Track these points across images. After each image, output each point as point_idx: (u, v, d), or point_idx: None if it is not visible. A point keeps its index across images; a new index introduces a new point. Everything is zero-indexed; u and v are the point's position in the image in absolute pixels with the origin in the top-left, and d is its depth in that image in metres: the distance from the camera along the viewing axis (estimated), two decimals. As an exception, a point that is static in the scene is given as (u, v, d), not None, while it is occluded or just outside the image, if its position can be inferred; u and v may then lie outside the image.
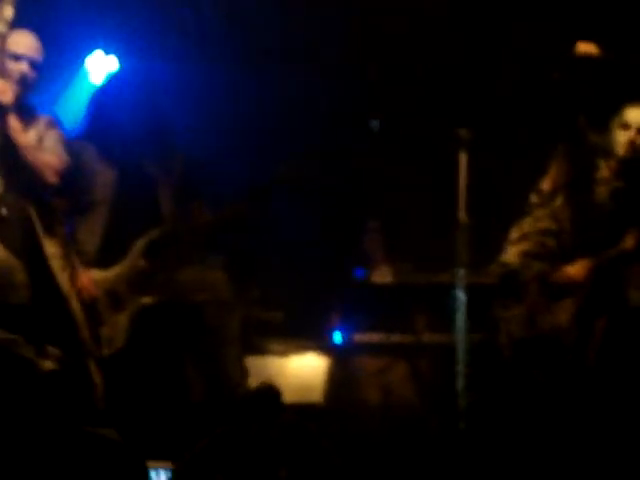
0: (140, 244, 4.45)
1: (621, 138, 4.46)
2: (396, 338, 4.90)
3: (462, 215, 4.15)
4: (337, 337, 4.92)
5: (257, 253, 5.51)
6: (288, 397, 4.67)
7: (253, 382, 4.61)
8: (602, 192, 4.51)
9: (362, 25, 5.69)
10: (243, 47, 5.54)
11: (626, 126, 4.46)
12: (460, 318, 4.09)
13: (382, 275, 5.03)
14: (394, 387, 4.93)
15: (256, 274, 5.40)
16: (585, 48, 4.46)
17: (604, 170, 4.50)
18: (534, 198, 4.55)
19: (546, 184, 4.55)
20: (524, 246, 4.46)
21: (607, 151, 4.50)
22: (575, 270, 4.42)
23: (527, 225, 4.52)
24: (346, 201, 5.67)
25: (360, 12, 5.61)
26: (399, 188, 5.66)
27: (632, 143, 4.43)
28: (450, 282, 4.20)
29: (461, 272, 4.10)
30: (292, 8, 5.52)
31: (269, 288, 5.34)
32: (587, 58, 4.46)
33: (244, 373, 4.51)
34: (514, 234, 4.54)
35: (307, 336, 5.04)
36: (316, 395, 4.75)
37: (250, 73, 5.53)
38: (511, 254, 4.48)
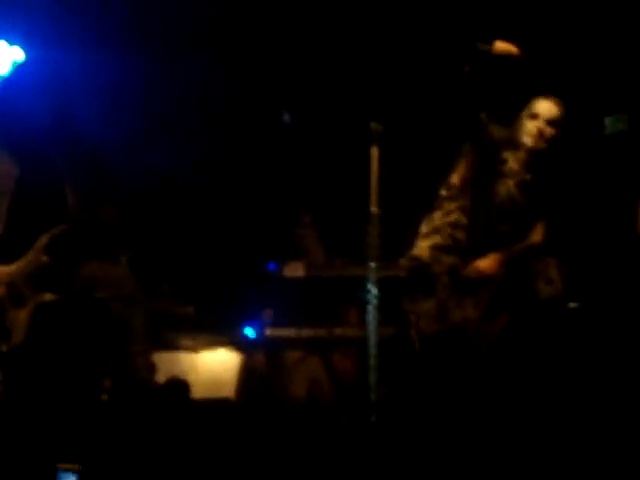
0: (43, 239, 4.35)
1: (530, 128, 4.49)
2: (308, 332, 4.88)
3: (374, 208, 4.14)
4: (249, 332, 4.88)
5: (167, 248, 5.45)
6: (199, 392, 4.63)
7: (164, 377, 4.56)
8: (510, 185, 4.54)
9: (275, 18, 5.67)
10: (150, 36, 5.46)
11: (535, 116, 4.50)
12: (372, 312, 4.07)
13: (294, 269, 5.00)
14: (306, 381, 4.91)
15: (166, 269, 5.33)
16: (503, 46, 4.48)
17: (512, 163, 4.53)
18: (444, 192, 4.56)
19: (455, 178, 4.56)
20: (434, 240, 4.46)
21: (514, 143, 4.53)
22: (485, 264, 4.44)
23: (437, 219, 4.52)
24: (258, 195, 5.64)
25: (273, 4, 5.59)
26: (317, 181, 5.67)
27: (540, 133, 4.46)
28: (362, 275, 4.19)
29: (373, 265, 4.08)
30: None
31: (180, 283, 5.29)
32: (504, 56, 4.48)
33: (151, 368, 4.45)
34: (424, 228, 4.54)
35: (218, 331, 4.99)
36: (227, 390, 4.71)
37: (159, 62, 5.45)
38: (421, 248, 4.48)
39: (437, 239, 4.44)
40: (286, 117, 5.49)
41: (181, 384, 4.39)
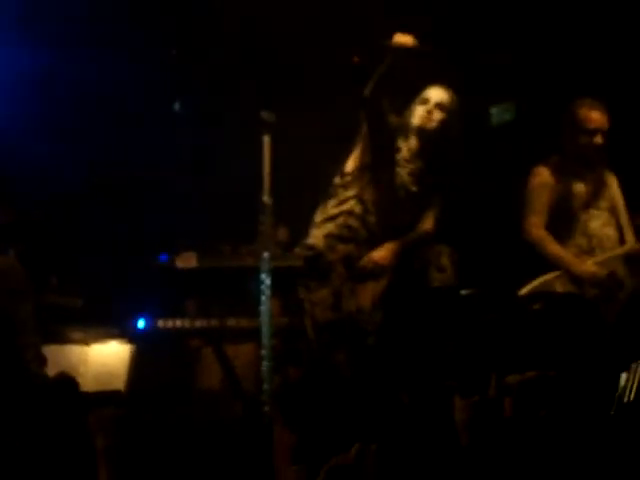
0: None
1: (419, 112, 4.55)
2: (201, 323, 4.84)
3: (266, 198, 4.13)
4: (140, 323, 4.81)
5: (56, 239, 5.35)
6: (90, 385, 4.55)
7: (53, 371, 4.46)
8: (403, 174, 4.59)
9: (168, 9, 5.62)
10: (53, 31, 5.36)
11: (425, 101, 4.56)
12: (265, 302, 4.06)
13: (186, 260, 4.95)
14: (199, 372, 4.88)
15: (55, 261, 5.23)
16: (401, 39, 4.52)
17: (404, 151, 4.57)
18: (338, 180, 4.58)
19: (349, 166, 4.59)
20: (329, 228, 4.49)
21: (405, 130, 4.58)
22: (380, 255, 4.48)
23: (331, 207, 4.54)
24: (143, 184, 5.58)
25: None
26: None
27: (429, 113, 4.53)
28: (255, 265, 4.17)
29: (266, 255, 4.07)
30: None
31: (68, 274, 5.19)
32: (402, 48, 4.52)
33: (42, 362, 4.34)
34: (319, 216, 4.56)
35: (109, 323, 4.91)
36: (118, 383, 4.64)
37: (61, 57, 5.34)
38: (316, 236, 4.50)
39: (331, 228, 4.46)
40: (177, 106, 5.44)
41: (70, 379, 4.31)
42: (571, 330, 4.08)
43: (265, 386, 4.00)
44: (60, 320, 4.87)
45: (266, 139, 4.16)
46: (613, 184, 4.90)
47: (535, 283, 4.61)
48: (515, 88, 5.76)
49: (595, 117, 4.73)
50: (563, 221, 4.80)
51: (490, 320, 4.39)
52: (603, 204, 4.86)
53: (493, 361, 4.35)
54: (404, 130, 4.59)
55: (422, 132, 4.56)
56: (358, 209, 4.53)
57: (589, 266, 4.67)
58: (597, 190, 4.87)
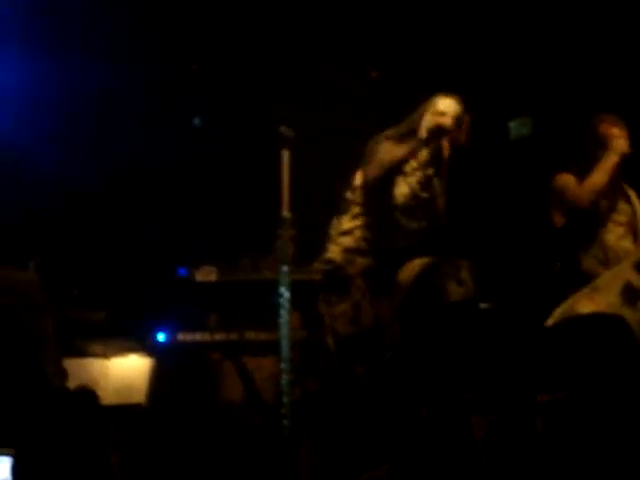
0: None
1: (431, 123, 4.55)
2: (221, 336, 4.86)
3: (285, 212, 4.15)
4: (160, 337, 4.84)
5: (77, 253, 5.38)
6: (110, 399, 4.58)
7: (74, 384, 4.49)
8: (412, 181, 4.59)
9: (186, 24, 5.66)
10: (51, 36, 5.40)
11: (437, 112, 4.56)
12: (284, 315, 4.08)
13: (206, 273, 4.97)
14: (220, 386, 4.89)
15: (76, 275, 5.26)
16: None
17: (412, 163, 4.57)
18: (349, 195, 4.59)
19: (357, 179, 4.60)
20: (346, 242, 4.50)
21: (413, 139, 4.57)
22: (405, 276, 4.48)
23: (345, 222, 4.55)
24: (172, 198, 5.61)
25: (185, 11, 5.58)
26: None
27: (439, 127, 4.53)
28: (274, 279, 4.19)
29: (285, 269, 4.09)
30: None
31: (90, 289, 5.22)
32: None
33: (63, 375, 4.37)
34: (333, 232, 4.57)
35: (130, 337, 4.94)
36: (138, 396, 4.66)
37: (58, 63, 5.38)
38: (334, 251, 4.51)
39: (349, 241, 4.47)
40: (197, 121, 5.48)
41: (89, 392, 4.33)
42: (603, 347, 4.09)
43: (284, 399, 4.01)
44: (81, 334, 4.90)
45: (285, 154, 4.18)
46: (632, 198, 4.91)
47: (558, 311, 4.60)
48: (533, 102, 5.78)
49: (616, 134, 4.75)
50: (581, 232, 4.80)
51: (512, 340, 4.41)
52: (621, 218, 4.87)
53: (512, 378, 4.37)
54: (412, 139, 4.59)
55: (434, 144, 4.56)
56: (373, 221, 4.53)
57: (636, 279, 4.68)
58: (615, 204, 4.87)
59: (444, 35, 5.70)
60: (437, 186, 4.58)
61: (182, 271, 4.92)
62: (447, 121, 4.55)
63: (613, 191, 4.85)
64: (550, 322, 4.52)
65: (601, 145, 4.77)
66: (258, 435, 4.50)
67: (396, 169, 4.51)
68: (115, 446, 4.25)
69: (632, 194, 4.90)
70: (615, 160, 4.66)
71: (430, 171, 4.60)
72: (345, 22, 5.64)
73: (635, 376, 3.91)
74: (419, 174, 4.61)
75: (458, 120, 4.62)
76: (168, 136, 5.61)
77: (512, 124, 5.87)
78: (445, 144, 4.54)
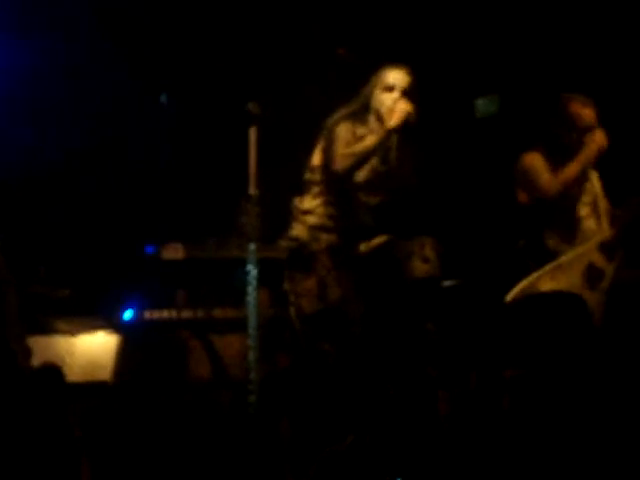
0: None
1: (387, 101, 4.52)
2: (188, 314, 4.86)
3: (252, 190, 4.14)
4: (127, 314, 4.83)
5: (43, 230, 5.36)
6: (76, 376, 4.56)
7: (39, 362, 4.47)
8: (373, 161, 4.57)
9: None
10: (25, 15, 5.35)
11: (390, 88, 4.52)
12: (252, 293, 4.08)
13: (173, 251, 4.96)
14: (188, 363, 4.89)
15: (42, 251, 5.23)
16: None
17: (369, 139, 4.53)
18: (308, 175, 4.56)
19: (315, 160, 4.58)
20: (309, 220, 4.49)
21: (365, 116, 4.53)
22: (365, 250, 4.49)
23: (307, 202, 4.53)
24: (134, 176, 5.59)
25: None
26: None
27: (395, 103, 4.49)
28: (241, 256, 4.19)
29: (252, 246, 4.09)
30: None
31: (56, 265, 5.20)
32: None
33: (27, 352, 4.35)
34: (296, 211, 4.55)
35: (96, 314, 4.92)
36: (105, 374, 4.65)
37: (28, 41, 5.34)
38: (298, 229, 4.50)
39: (312, 219, 4.46)
40: (163, 98, 5.45)
41: (55, 369, 4.31)
42: (560, 326, 4.13)
43: (252, 375, 4.02)
44: (47, 311, 4.88)
45: (252, 131, 4.17)
46: (594, 178, 4.94)
47: (519, 287, 4.63)
48: (500, 80, 5.79)
49: (587, 114, 4.78)
50: (548, 211, 4.84)
51: (474, 317, 4.44)
52: (586, 198, 4.91)
53: (475, 355, 4.40)
54: (363, 115, 4.55)
55: (398, 131, 4.54)
56: (334, 199, 4.52)
57: (600, 260, 4.72)
58: (580, 184, 4.90)
59: (413, 14, 5.69)
60: (393, 159, 4.55)
61: (149, 248, 4.91)
62: (397, 96, 4.50)
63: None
64: (509, 298, 4.56)
65: (570, 125, 4.79)
66: (226, 412, 4.52)
67: (367, 158, 4.49)
68: (81, 423, 4.25)
69: (593, 176, 4.94)
70: (593, 153, 4.69)
71: (387, 147, 4.57)
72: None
73: (589, 356, 3.97)
74: (379, 153, 4.59)
75: (410, 93, 4.57)
76: (134, 113, 5.58)
77: (479, 102, 5.88)
78: (394, 118, 4.49)
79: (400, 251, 4.51)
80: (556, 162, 4.84)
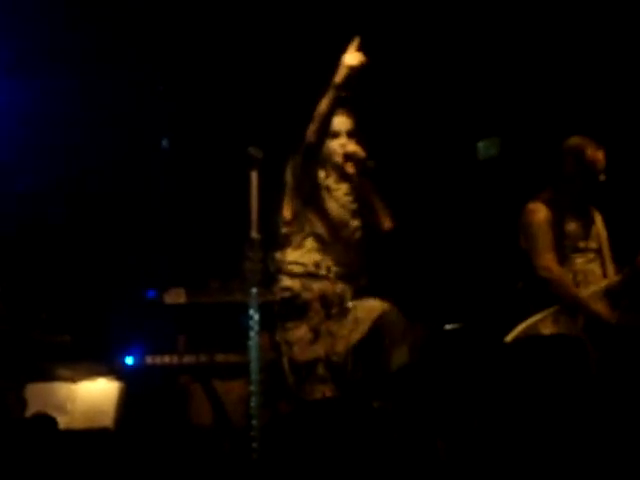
0: None
1: (335, 147, 4.51)
2: (190, 359, 4.83)
3: (254, 234, 4.12)
4: (129, 360, 4.80)
5: (43, 276, 5.34)
6: (78, 423, 4.53)
7: (40, 409, 4.44)
8: (339, 195, 4.55)
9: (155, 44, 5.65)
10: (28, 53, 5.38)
11: (335, 135, 4.52)
12: (254, 337, 4.05)
13: (175, 296, 4.95)
14: (190, 409, 4.86)
15: (42, 298, 5.22)
16: (350, 60, 4.51)
17: (330, 181, 4.52)
18: (285, 229, 4.50)
19: (287, 214, 4.52)
20: (298, 270, 4.44)
21: (324, 162, 4.53)
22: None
23: (290, 254, 4.47)
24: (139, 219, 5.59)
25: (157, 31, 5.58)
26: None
27: (343, 146, 4.49)
28: (243, 301, 4.17)
29: (254, 290, 4.06)
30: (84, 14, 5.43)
31: (57, 311, 5.18)
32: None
33: (22, 404, 4.31)
34: (281, 264, 4.48)
35: (97, 360, 4.89)
36: (107, 420, 4.62)
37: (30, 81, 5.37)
38: (288, 280, 4.44)
39: (300, 269, 4.41)
40: (165, 143, 5.46)
41: (47, 418, 4.27)
42: (562, 369, 4.10)
43: (254, 422, 3.98)
44: (48, 357, 4.85)
45: (254, 175, 4.17)
46: (599, 222, 4.93)
47: (519, 328, 4.60)
48: (501, 123, 5.81)
49: (601, 158, 4.77)
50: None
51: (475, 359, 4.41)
52: (591, 244, 4.88)
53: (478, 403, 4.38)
54: (322, 162, 4.53)
55: (345, 165, 4.52)
56: (317, 245, 4.48)
57: (602, 307, 4.69)
58: (587, 229, 4.88)
59: (415, 56, 5.72)
60: (364, 194, 4.53)
61: (150, 293, 4.90)
62: (343, 141, 4.50)
63: (585, 215, 4.87)
64: (509, 339, 4.53)
65: (585, 169, 4.77)
66: (228, 459, 4.48)
67: (327, 127, 4.42)
68: (83, 470, 4.21)
69: (598, 219, 4.92)
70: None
71: (347, 184, 4.56)
72: (317, 42, 5.64)
73: (589, 400, 3.96)
74: (342, 186, 4.56)
75: (354, 132, 4.54)
76: (136, 158, 5.59)
77: (480, 144, 5.89)
78: (348, 166, 4.48)
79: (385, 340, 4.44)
80: (562, 207, 4.82)
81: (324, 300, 4.40)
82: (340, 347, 4.32)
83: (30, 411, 4.44)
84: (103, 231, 5.58)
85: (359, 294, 4.46)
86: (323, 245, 4.43)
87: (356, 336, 4.34)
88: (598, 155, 4.77)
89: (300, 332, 4.35)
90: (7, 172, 5.32)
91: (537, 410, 4.15)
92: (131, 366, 4.77)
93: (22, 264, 5.22)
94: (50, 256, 5.49)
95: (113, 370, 4.78)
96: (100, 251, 5.54)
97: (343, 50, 4.41)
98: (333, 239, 4.47)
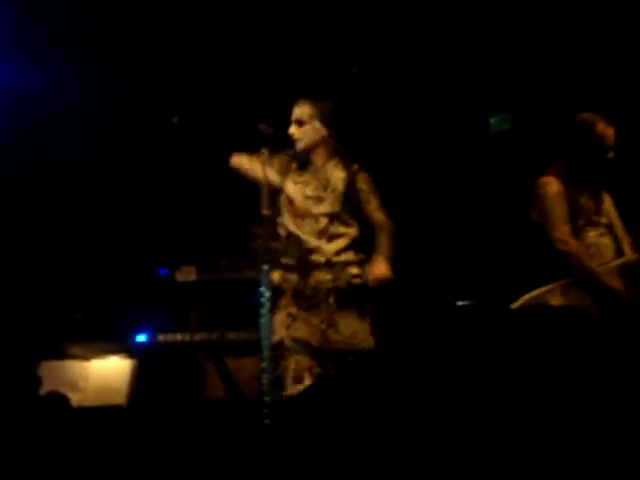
0: None
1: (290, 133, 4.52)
2: (202, 337, 4.84)
3: (265, 210, 4.11)
4: (141, 338, 4.81)
5: (55, 255, 5.36)
6: (90, 401, 4.55)
7: (53, 386, 4.46)
8: (304, 190, 4.54)
9: (167, 23, 5.64)
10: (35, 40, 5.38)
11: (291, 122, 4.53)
12: (265, 315, 4.04)
13: (186, 274, 4.96)
14: (203, 386, 4.87)
15: (55, 276, 5.23)
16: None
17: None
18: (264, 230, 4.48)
19: (265, 209, 4.49)
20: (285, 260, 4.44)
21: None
22: (380, 271, 4.45)
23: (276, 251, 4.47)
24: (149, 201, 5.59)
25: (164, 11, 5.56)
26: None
27: (292, 134, 4.48)
28: (254, 278, 4.16)
29: (265, 268, 4.05)
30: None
31: (70, 290, 5.19)
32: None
33: (36, 381, 4.33)
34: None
35: (110, 338, 4.91)
36: (119, 398, 4.64)
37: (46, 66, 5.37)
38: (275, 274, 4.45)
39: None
40: (175, 120, 5.45)
41: (60, 396, 4.29)
42: (569, 341, 4.09)
43: (266, 398, 3.98)
44: (61, 335, 4.87)
45: (264, 152, 4.15)
46: (608, 202, 4.92)
47: (527, 297, 4.60)
48: (513, 98, 5.78)
49: (611, 134, 4.78)
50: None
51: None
52: (602, 219, 4.88)
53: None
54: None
55: (296, 152, 4.50)
56: (285, 239, 4.47)
57: (617, 283, 4.69)
58: (598, 204, 4.88)
59: (427, 34, 5.69)
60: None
61: (162, 271, 4.91)
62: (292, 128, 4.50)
63: (595, 192, 4.86)
64: (516, 305, 4.53)
65: (597, 144, 4.76)
66: (240, 435, 4.48)
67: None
68: (96, 447, 4.23)
69: (607, 199, 4.92)
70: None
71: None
72: (327, 20, 5.62)
73: (596, 376, 3.94)
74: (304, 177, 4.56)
75: (302, 121, 4.52)
76: (147, 135, 5.58)
77: (492, 119, 5.87)
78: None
79: None
80: (574, 182, 4.81)
81: (295, 292, 4.40)
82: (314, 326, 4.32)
83: (44, 389, 4.46)
84: (115, 210, 5.58)
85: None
86: (293, 239, 4.43)
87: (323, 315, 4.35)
88: (608, 131, 4.78)
89: (280, 317, 4.36)
90: (38, 144, 5.33)
91: (541, 383, 4.13)
92: (143, 344, 4.79)
93: (35, 243, 5.23)
94: (61, 234, 5.50)
95: (125, 348, 4.80)
96: (112, 230, 5.54)
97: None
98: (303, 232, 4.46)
